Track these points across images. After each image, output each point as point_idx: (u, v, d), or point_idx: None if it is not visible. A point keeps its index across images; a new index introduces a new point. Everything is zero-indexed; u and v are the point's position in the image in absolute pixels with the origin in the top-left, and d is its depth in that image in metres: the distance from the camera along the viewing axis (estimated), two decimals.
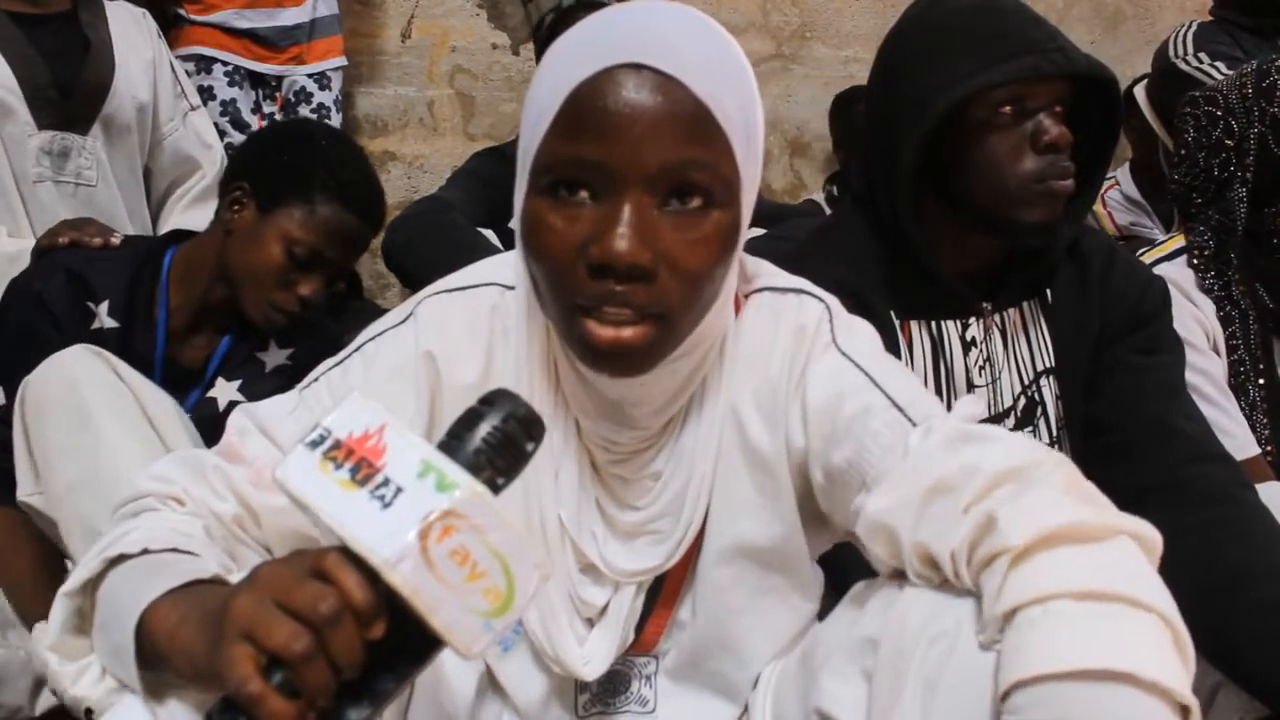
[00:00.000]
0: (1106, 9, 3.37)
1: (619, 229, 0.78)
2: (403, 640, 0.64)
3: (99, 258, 1.64)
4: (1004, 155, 1.29)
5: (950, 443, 0.83)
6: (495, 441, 0.66)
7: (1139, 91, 2.68)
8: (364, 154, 1.80)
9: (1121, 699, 0.66)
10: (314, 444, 0.65)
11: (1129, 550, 0.74)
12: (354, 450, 0.64)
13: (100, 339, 1.52)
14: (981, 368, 1.41)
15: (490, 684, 1.00)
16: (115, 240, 1.70)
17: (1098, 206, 2.92)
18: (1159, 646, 0.69)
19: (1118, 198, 3.03)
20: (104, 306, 1.59)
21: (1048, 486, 0.77)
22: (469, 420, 0.67)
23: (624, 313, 0.80)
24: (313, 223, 1.57)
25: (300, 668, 0.61)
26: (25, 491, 1.41)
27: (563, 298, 0.82)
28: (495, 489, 0.66)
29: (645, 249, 0.78)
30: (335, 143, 1.72)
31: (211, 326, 1.67)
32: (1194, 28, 2.55)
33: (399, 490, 0.62)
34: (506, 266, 0.96)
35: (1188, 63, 2.48)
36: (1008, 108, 1.28)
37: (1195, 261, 1.66)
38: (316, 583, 0.63)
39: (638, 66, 0.78)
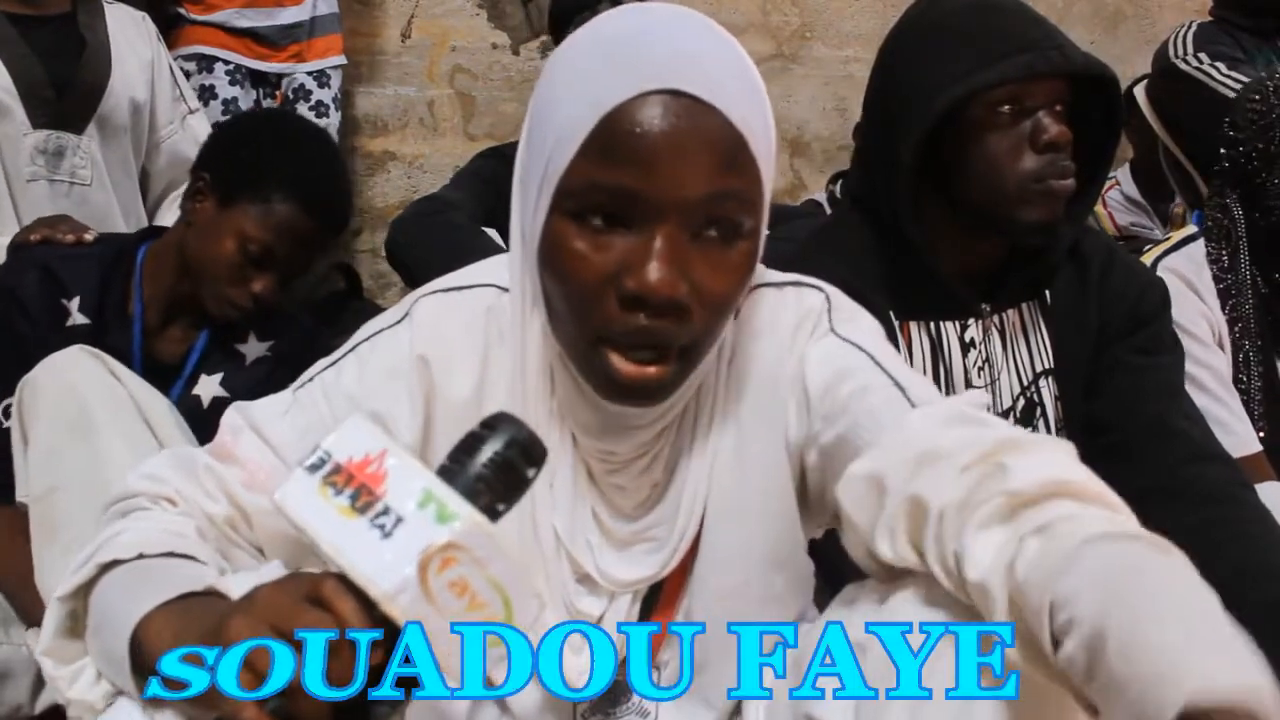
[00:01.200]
0: (1106, 9, 3.36)
1: (654, 261, 0.76)
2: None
3: (71, 255, 1.62)
4: (1003, 154, 1.29)
5: (949, 420, 0.82)
6: (496, 468, 0.66)
7: (1139, 91, 2.67)
8: (337, 153, 1.75)
9: (1182, 567, 0.67)
10: (313, 468, 0.65)
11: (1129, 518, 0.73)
12: (354, 476, 0.64)
13: (73, 335, 1.51)
14: (980, 369, 1.40)
15: None
16: (88, 237, 1.68)
17: (1098, 207, 2.91)
18: None
19: (1118, 198, 3.03)
20: (75, 303, 1.57)
21: (1054, 451, 0.77)
22: (470, 445, 0.67)
23: (652, 351, 0.79)
24: (269, 221, 1.53)
25: (296, 693, 0.61)
26: (22, 493, 1.41)
27: (587, 328, 0.80)
28: (495, 516, 0.65)
29: (681, 283, 0.77)
30: (306, 140, 1.66)
31: (187, 320, 1.64)
32: (1194, 28, 2.55)
33: (399, 520, 0.62)
34: (504, 267, 0.94)
35: (1188, 63, 2.47)
36: (1006, 107, 1.28)
37: (1210, 230, 1.67)
38: (314, 609, 0.62)
39: (675, 93, 0.76)
